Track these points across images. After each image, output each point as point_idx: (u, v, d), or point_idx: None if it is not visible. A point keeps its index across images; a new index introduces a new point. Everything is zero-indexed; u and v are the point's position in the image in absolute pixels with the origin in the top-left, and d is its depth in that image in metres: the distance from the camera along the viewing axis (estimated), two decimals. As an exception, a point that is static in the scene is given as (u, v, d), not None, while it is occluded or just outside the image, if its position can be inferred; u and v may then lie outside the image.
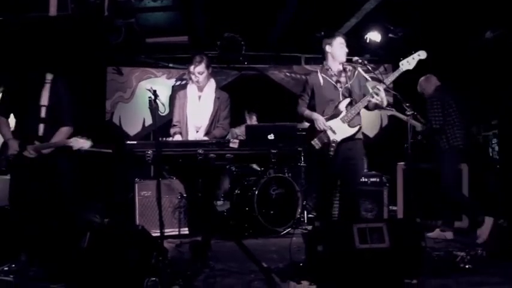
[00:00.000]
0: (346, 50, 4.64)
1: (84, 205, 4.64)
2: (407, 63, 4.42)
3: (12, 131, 4.44)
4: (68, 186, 4.48)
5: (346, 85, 4.59)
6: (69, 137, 4.36)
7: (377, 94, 4.36)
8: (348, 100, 4.54)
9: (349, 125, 4.51)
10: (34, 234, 4.23)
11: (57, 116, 4.40)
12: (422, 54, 4.42)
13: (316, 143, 4.56)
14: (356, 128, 4.53)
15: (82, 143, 4.28)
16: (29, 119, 4.34)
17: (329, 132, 4.52)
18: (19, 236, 4.27)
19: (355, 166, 4.57)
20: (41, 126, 4.30)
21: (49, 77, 4.42)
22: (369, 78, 4.87)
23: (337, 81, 4.62)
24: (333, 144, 4.48)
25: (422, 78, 5.70)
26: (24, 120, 4.39)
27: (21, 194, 4.32)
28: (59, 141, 4.33)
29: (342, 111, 4.53)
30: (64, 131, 4.41)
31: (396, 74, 4.43)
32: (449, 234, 5.48)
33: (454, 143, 5.38)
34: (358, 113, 4.55)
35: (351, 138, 4.54)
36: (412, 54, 4.44)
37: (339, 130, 4.51)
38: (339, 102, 4.56)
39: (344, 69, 4.66)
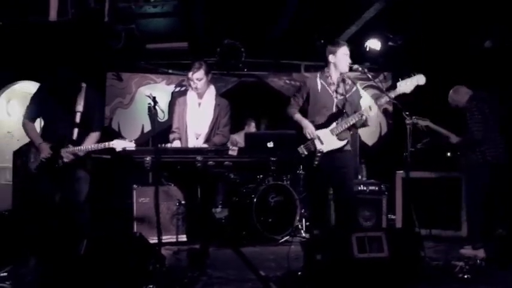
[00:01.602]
0: (349, 61, 4.61)
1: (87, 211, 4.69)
2: (405, 85, 4.41)
3: (41, 135, 4.58)
4: (85, 191, 4.57)
5: (342, 97, 4.59)
6: (98, 141, 4.58)
7: (368, 112, 4.43)
8: (341, 114, 4.55)
9: (337, 138, 4.51)
10: (37, 239, 4.29)
11: (87, 122, 4.58)
12: (421, 80, 4.43)
13: (302, 150, 4.53)
14: (344, 142, 4.53)
15: (124, 144, 4.41)
16: (63, 124, 4.51)
17: (316, 142, 4.50)
18: (26, 239, 4.33)
19: (345, 174, 4.54)
20: (75, 131, 4.49)
21: (83, 85, 4.63)
22: (364, 95, 4.90)
23: (335, 91, 4.61)
24: (318, 154, 4.44)
25: (451, 91, 5.55)
26: (58, 124, 4.53)
27: (38, 196, 4.48)
28: (100, 144, 4.49)
29: (332, 123, 4.53)
30: (94, 136, 4.61)
31: (392, 95, 4.44)
32: (481, 252, 5.00)
33: (488, 157, 5.15)
34: (348, 128, 4.54)
35: (339, 150, 4.54)
36: (410, 76, 4.43)
37: (326, 141, 4.50)
38: (332, 113, 4.56)
39: (343, 81, 4.65)
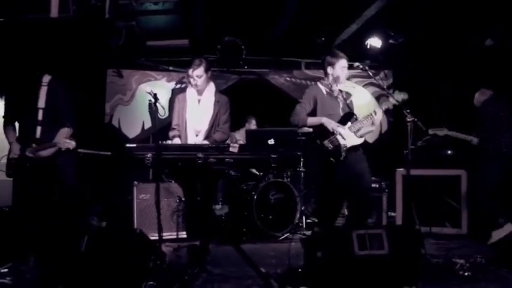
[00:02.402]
0: (347, 73, 4.76)
1: (83, 208, 4.69)
2: (399, 94, 4.61)
3: (17, 135, 4.57)
4: (71, 187, 4.57)
5: (345, 102, 4.74)
6: (68, 138, 4.46)
7: (375, 114, 4.58)
8: (352, 115, 4.68)
9: (355, 135, 4.63)
10: (35, 236, 4.29)
11: (55, 118, 4.49)
12: (404, 95, 4.63)
13: (328, 144, 4.58)
14: (362, 139, 4.67)
15: (67, 144, 4.39)
16: (28, 122, 4.46)
17: (339, 137, 4.59)
18: (24, 237, 4.33)
19: (363, 172, 4.65)
20: (38, 129, 4.41)
21: (46, 79, 4.52)
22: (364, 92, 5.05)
23: (337, 96, 4.77)
24: (344, 149, 4.55)
25: (477, 93, 5.81)
26: (24, 123, 4.52)
27: (23, 195, 4.46)
28: (51, 142, 4.42)
29: (347, 122, 4.66)
30: (64, 132, 4.50)
31: (393, 101, 4.62)
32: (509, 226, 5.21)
33: (505, 149, 5.42)
34: (360, 129, 4.66)
35: (357, 148, 4.66)
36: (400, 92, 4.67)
37: (347, 137, 4.61)
38: (342, 115, 4.68)
39: (341, 91, 4.82)
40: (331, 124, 4.60)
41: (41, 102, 4.43)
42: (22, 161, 4.37)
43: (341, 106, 4.73)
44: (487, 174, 5.44)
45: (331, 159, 4.54)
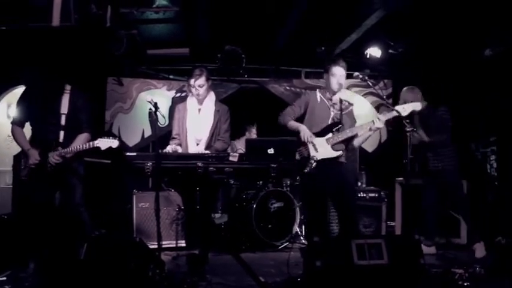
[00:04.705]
0: (340, 81, 4.62)
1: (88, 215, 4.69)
2: (403, 109, 4.45)
3: (30, 140, 4.55)
4: (77, 204, 4.58)
5: (339, 112, 4.64)
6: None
7: (377, 122, 4.44)
8: (338, 125, 4.58)
9: (332, 148, 4.54)
10: (35, 244, 4.30)
11: (75, 123, 4.55)
12: (417, 106, 4.52)
13: (296, 155, 4.52)
14: (338, 153, 4.55)
15: (109, 143, 4.43)
16: (50, 127, 4.48)
17: (311, 147, 4.55)
18: (25, 243, 4.34)
19: (343, 186, 4.58)
20: (61, 133, 4.46)
21: (68, 87, 4.59)
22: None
23: (332, 105, 4.69)
24: (311, 161, 4.42)
25: (407, 88, 5.55)
26: (44, 128, 4.51)
27: (38, 201, 4.46)
28: (84, 144, 4.46)
29: (329, 133, 4.57)
30: (82, 137, 4.56)
31: (390, 115, 4.51)
32: (432, 250, 5.52)
33: (445, 163, 5.43)
34: (343, 141, 4.58)
35: (335, 161, 4.55)
36: (410, 103, 4.59)
37: (321, 149, 4.54)
38: (328, 125, 4.61)
39: (341, 101, 4.72)
40: (305, 133, 4.54)
41: (64, 108, 4.49)
42: (42, 167, 4.38)
43: (332, 116, 4.65)
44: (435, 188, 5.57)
45: (298, 169, 4.50)
